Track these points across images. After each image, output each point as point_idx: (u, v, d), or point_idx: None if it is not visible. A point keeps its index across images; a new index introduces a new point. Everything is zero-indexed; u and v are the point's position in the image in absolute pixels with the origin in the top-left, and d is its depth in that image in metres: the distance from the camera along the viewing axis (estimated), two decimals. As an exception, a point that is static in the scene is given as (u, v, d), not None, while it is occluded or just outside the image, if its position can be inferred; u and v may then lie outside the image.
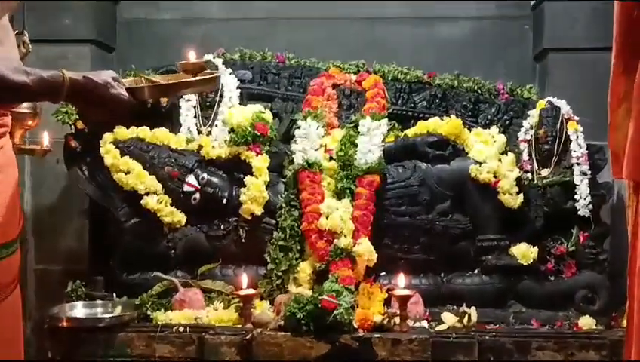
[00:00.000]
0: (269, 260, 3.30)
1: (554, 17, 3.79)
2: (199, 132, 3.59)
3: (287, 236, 3.29)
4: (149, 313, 3.15)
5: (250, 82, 3.76)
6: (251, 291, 3.10)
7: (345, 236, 3.16)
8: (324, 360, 2.84)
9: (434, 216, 3.34)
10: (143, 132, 3.50)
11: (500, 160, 3.35)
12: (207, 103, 3.60)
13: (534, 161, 3.41)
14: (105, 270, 3.48)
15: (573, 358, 2.92)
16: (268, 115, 3.56)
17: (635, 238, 2.03)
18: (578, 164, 3.32)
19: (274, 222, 3.37)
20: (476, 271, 3.33)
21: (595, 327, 3.11)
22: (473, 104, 3.70)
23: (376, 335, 2.89)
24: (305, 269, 3.22)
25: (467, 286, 3.28)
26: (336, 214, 3.19)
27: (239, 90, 3.67)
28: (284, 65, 3.81)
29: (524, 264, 3.24)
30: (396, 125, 3.62)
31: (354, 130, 3.47)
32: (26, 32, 3.18)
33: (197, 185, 3.39)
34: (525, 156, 3.43)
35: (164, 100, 3.60)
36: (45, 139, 3.43)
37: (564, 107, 3.42)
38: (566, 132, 3.38)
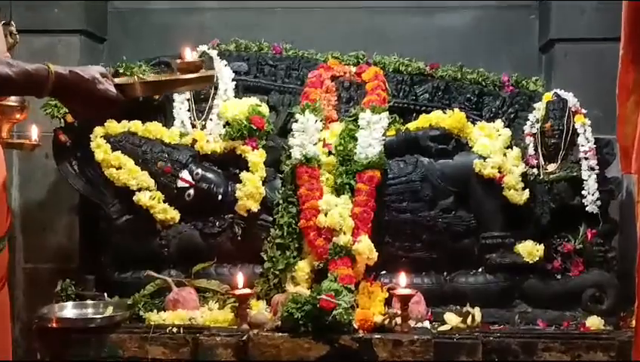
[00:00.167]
0: (265, 258, 3.30)
1: (561, 6, 3.79)
2: (193, 126, 3.59)
3: (285, 233, 3.29)
4: (141, 313, 3.16)
5: (245, 74, 3.75)
6: (247, 290, 3.10)
7: (344, 233, 3.16)
8: (322, 362, 2.85)
9: (436, 212, 3.34)
10: (135, 126, 3.50)
11: (504, 154, 3.35)
12: (202, 96, 3.59)
13: (540, 155, 3.41)
14: (96, 269, 3.48)
15: (581, 359, 2.92)
16: (264, 108, 3.55)
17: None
18: (586, 158, 3.32)
19: (271, 218, 3.37)
20: (480, 270, 3.33)
21: (603, 328, 3.11)
22: (477, 96, 3.69)
23: (377, 336, 2.90)
24: (303, 268, 3.22)
25: (471, 285, 3.29)
26: (336, 211, 3.19)
27: (234, 83, 3.66)
28: (281, 56, 3.80)
29: (530, 262, 3.25)
30: (397, 118, 3.61)
31: (353, 123, 3.46)
32: (12, 23, 3.17)
33: (191, 180, 3.39)
34: (531, 150, 3.43)
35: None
36: (34, 133, 3.42)
37: (572, 100, 3.42)
38: (573, 125, 3.37)
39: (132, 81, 1.92)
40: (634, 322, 2.33)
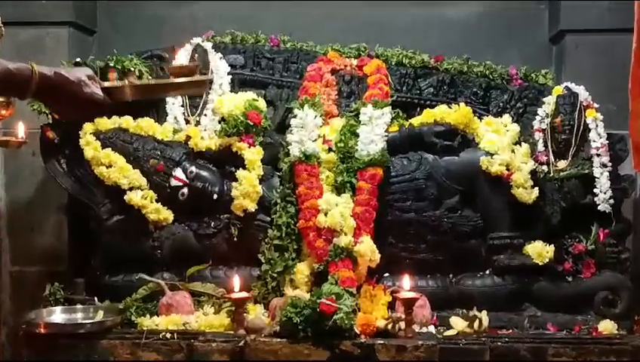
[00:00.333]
0: (263, 260, 3.30)
1: (572, -4, 3.80)
2: (187, 122, 3.58)
3: (283, 234, 3.29)
4: (133, 318, 3.16)
5: (242, 67, 3.75)
6: (244, 294, 3.10)
7: (345, 234, 3.16)
8: (323, 369, 2.85)
9: (442, 212, 3.34)
10: (126, 122, 3.49)
11: (513, 151, 3.35)
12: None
13: (550, 152, 3.40)
14: (85, 271, 3.48)
15: (593, 365, 2.93)
16: (261, 103, 3.55)
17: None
18: (598, 155, 3.32)
19: (268, 219, 3.37)
20: (487, 272, 3.33)
21: (616, 332, 3.11)
22: (484, 90, 3.69)
23: (380, 342, 2.89)
24: (302, 270, 3.22)
25: (478, 287, 3.28)
26: (336, 210, 3.19)
27: (230, 77, 3.66)
28: (278, 48, 3.80)
29: (540, 264, 3.24)
30: (400, 114, 3.61)
31: (355, 119, 3.46)
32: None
33: (185, 179, 3.38)
34: (540, 147, 3.43)
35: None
36: (20, 130, 3.41)
37: (583, 93, 3.42)
38: (584, 120, 3.37)
39: (121, 84, 1.91)
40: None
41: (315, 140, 3.41)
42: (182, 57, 2.03)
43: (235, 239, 3.37)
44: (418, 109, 3.67)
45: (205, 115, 3.56)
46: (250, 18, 3.96)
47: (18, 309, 3.67)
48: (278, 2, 4.05)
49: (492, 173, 3.29)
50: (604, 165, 3.31)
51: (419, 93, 3.71)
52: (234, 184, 3.36)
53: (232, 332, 3.04)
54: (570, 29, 3.81)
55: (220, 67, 3.64)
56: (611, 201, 3.29)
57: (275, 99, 3.72)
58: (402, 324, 2.95)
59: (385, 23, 4.00)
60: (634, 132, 2.19)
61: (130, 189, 3.36)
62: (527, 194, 3.29)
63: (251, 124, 3.44)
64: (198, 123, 3.56)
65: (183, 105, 3.59)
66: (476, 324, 3.07)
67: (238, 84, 3.71)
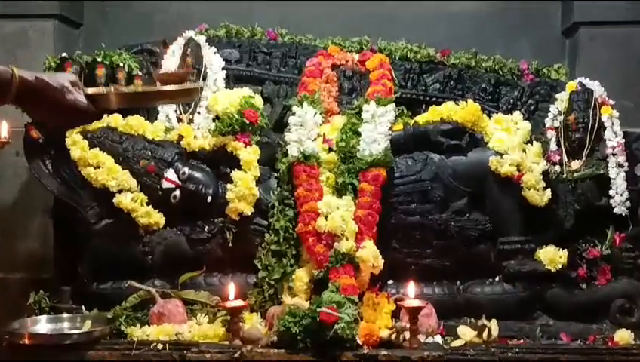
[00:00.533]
0: (260, 267, 3.30)
1: (586, -14, 3.80)
2: (179, 120, 3.59)
3: (281, 239, 3.29)
4: (122, 328, 3.15)
5: (237, 62, 3.76)
6: (240, 302, 3.10)
7: (346, 239, 3.16)
8: (323, 381, 2.85)
9: (448, 215, 3.34)
10: (115, 120, 3.49)
11: (524, 150, 3.35)
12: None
13: (563, 151, 3.40)
14: (72, 279, 3.48)
15: (608, 377, 2.93)
16: (258, 100, 3.55)
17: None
18: (614, 154, 3.32)
19: (265, 223, 3.37)
20: (497, 279, 3.33)
21: (633, 342, 3.10)
22: (493, 86, 3.70)
23: (383, 353, 2.89)
24: (301, 277, 3.21)
25: (487, 295, 3.29)
26: (337, 214, 3.19)
27: (225, 72, 3.67)
28: (276, 42, 3.81)
29: (552, 270, 3.25)
30: (405, 111, 3.62)
31: (356, 117, 3.46)
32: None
33: (177, 181, 3.38)
34: (553, 146, 3.43)
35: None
36: (3, 129, 3.41)
37: (598, 89, 3.42)
38: (599, 118, 3.37)
39: (106, 91, 1.91)
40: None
41: (315, 139, 3.41)
42: (171, 65, 2.04)
43: (230, 244, 3.37)
44: (423, 106, 3.68)
45: (199, 112, 3.56)
46: (246, 10, 3.96)
47: (0, 319, 3.66)
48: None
49: (502, 174, 3.29)
50: (620, 165, 3.31)
51: (424, 89, 3.72)
52: (229, 186, 3.36)
53: (227, 342, 3.04)
54: (585, 21, 3.81)
55: (214, 62, 3.65)
56: (628, 204, 3.29)
57: (273, 96, 3.72)
58: (407, 334, 2.95)
59: (388, 16, 4.00)
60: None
61: (120, 191, 3.36)
62: (539, 196, 3.30)
63: (247, 122, 3.43)
64: (191, 121, 3.56)
65: (175, 103, 3.60)
66: (485, 334, 3.07)
67: (234, 80, 3.72)
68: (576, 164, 3.38)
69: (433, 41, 3.78)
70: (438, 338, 3.10)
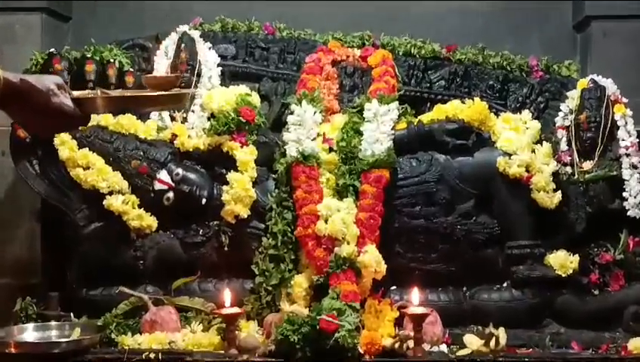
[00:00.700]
0: (257, 272, 3.31)
1: (598, -22, 3.81)
2: (172, 118, 3.59)
3: (279, 243, 3.30)
4: (113, 336, 3.16)
5: (233, 58, 3.76)
6: (236, 309, 3.10)
7: (347, 243, 3.16)
8: (323, 392, 2.86)
9: (454, 218, 3.35)
10: (106, 119, 3.49)
11: (533, 151, 3.36)
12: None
13: (575, 151, 3.41)
14: (60, 284, 3.48)
15: (622, 387, 2.94)
16: (255, 98, 3.56)
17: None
18: (627, 155, 3.33)
19: (263, 226, 3.38)
20: (505, 285, 3.34)
21: (647, 351, 3.11)
22: (501, 83, 3.70)
23: (386, 362, 2.91)
24: (300, 283, 3.22)
25: (494, 302, 3.30)
26: (337, 217, 3.19)
27: (220, 68, 3.67)
28: (274, 37, 3.81)
29: (563, 275, 3.25)
30: (409, 109, 3.62)
31: (358, 115, 3.46)
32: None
33: (170, 182, 3.39)
34: (564, 146, 3.43)
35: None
36: (-12, 129, 3.43)
37: (611, 87, 3.42)
38: (612, 116, 3.38)
39: (92, 95, 1.91)
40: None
41: (314, 139, 3.41)
42: (161, 69, 2.04)
43: (226, 248, 3.38)
44: (428, 105, 3.68)
45: (193, 111, 3.56)
46: (243, 5, 3.95)
47: (-14, 326, 3.67)
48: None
49: (510, 176, 3.30)
50: (634, 166, 3.32)
51: (429, 86, 3.72)
52: (224, 187, 3.36)
53: (222, 351, 3.04)
54: (597, 14, 3.82)
55: (208, 58, 3.65)
56: (642, 206, 3.30)
57: (270, 94, 3.72)
58: (411, 343, 2.96)
59: (391, 10, 4.00)
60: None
61: (110, 193, 3.37)
62: (549, 198, 3.30)
63: (244, 121, 3.44)
64: (184, 120, 3.57)
65: (168, 101, 3.59)
66: (492, 343, 3.07)
67: (229, 76, 3.72)
68: (587, 165, 3.38)
69: (438, 37, 3.78)
70: (443, 348, 3.11)
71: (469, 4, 4.03)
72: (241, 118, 3.44)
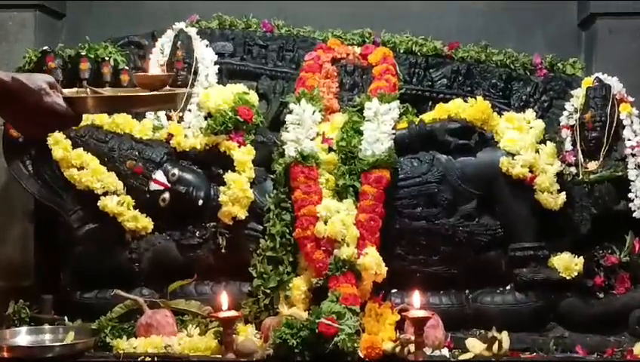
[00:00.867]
0: (254, 275, 3.31)
1: (604, -26, 3.80)
2: (168, 118, 3.59)
3: (277, 245, 3.30)
4: (108, 340, 3.16)
5: (230, 56, 3.76)
6: (233, 313, 3.10)
7: (347, 245, 3.16)
8: (322, 397, 2.86)
9: (456, 219, 3.35)
10: (100, 118, 3.49)
11: (537, 151, 3.36)
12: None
13: (579, 151, 3.40)
14: (54, 287, 3.48)
15: (627, 393, 2.94)
16: (253, 97, 3.56)
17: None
18: (633, 155, 3.32)
19: (261, 227, 3.38)
20: (508, 288, 3.34)
21: (653, 355, 3.11)
22: (504, 82, 3.70)
23: (387, 367, 2.91)
24: (299, 286, 3.22)
25: (497, 305, 3.30)
26: (337, 218, 3.19)
27: (217, 67, 3.67)
28: (272, 35, 3.80)
29: (567, 278, 3.25)
30: (410, 108, 3.62)
31: (358, 114, 3.46)
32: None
33: (166, 182, 3.39)
34: (568, 146, 3.43)
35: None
36: (-21, 128, 3.43)
37: (616, 85, 3.42)
38: (618, 116, 3.37)
39: (83, 94, 1.91)
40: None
41: (314, 139, 3.41)
42: (153, 67, 2.04)
43: (223, 250, 3.38)
44: (430, 103, 3.68)
45: (189, 110, 3.56)
46: (241, 2, 3.95)
47: (-23, 330, 3.67)
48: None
49: (513, 176, 3.30)
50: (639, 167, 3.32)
51: (430, 85, 3.72)
52: (222, 188, 3.36)
53: (219, 356, 3.04)
54: (602, 11, 3.81)
55: (205, 56, 3.65)
56: (648, 207, 3.30)
57: (269, 92, 3.72)
58: (412, 347, 2.95)
59: (392, 7, 4.00)
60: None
61: (105, 194, 3.36)
62: (553, 199, 3.30)
63: (241, 120, 3.44)
64: (181, 119, 3.56)
65: (164, 100, 3.59)
66: (495, 347, 3.06)
67: (227, 74, 3.72)
68: (592, 165, 3.38)
69: (441, 34, 3.78)
70: (445, 352, 3.11)
71: (473, 2, 4.02)
72: (238, 117, 3.44)
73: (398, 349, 2.96)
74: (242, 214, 3.35)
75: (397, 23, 3.84)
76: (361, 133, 3.39)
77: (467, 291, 3.35)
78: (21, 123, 1.87)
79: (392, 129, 3.39)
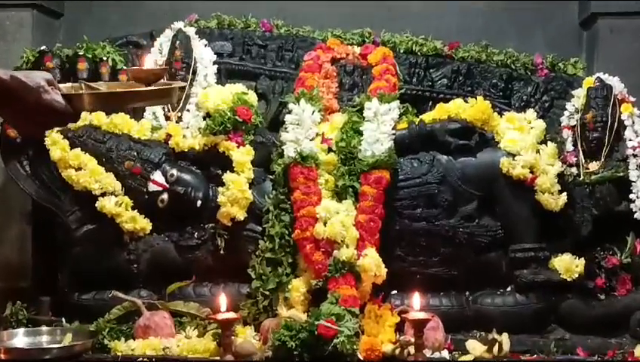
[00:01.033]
0: (253, 276, 3.31)
1: (605, -26, 3.81)
2: (167, 118, 3.60)
3: (276, 246, 3.30)
4: (106, 342, 3.16)
5: (229, 56, 3.77)
6: (232, 315, 3.10)
7: (347, 246, 3.16)
8: (321, 399, 2.86)
9: (457, 220, 3.35)
10: (98, 118, 3.50)
11: (537, 151, 3.36)
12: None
13: (580, 152, 3.41)
14: (52, 289, 3.49)
15: (628, 395, 2.94)
16: (252, 97, 3.56)
17: None
18: (634, 155, 3.33)
19: (260, 228, 3.38)
20: (509, 289, 3.34)
21: (655, 358, 3.12)
22: (505, 82, 3.71)
23: (386, 369, 2.91)
24: (298, 287, 3.22)
25: (498, 307, 3.30)
26: (336, 219, 3.19)
27: (216, 66, 3.67)
28: (271, 34, 3.81)
29: (568, 279, 3.26)
30: (410, 109, 3.62)
31: (358, 115, 3.47)
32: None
33: (164, 183, 3.39)
34: (569, 146, 3.43)
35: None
36: (-23, 128, 3.43)
37: (617, 85, 3.43)
38: (619, 116, 3.38)
39: (80, 91, 1.91)
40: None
41: (313, 139, 3.42)
42: (148, 62, 2.04)
43: (222, 251, 3.38)
44: (430, 103, 3.69)
45: (188, 110, 3.56)
46: (240, 1, 3.95)
47: (-25, 331, 3.67)
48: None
49: (514, 177, 3.30)
50: (641, 167, 3.32)
51: (431, 85, 3.73)
52: (220, 189, 3.36)
53: (218, 357, 3.04)
54: (604, 11, 3.82)
55: (204, 55, 3.65)
56: (650, 208, 3.30)
57: (268, 92, 3.73)
58: (412, 349, 2.95)
59: (392, 7, 4.00)
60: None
61: (103, 195, 3.37)
62: (554, 200, 3.30)
63: (240, 120, 3.44)
64: (179, 119, 3.57)
65: (162, 100, 3.60)
66: (496, 349, 3.07)
67: (226, 74, 3.72)
68: (593, 166, 3.38)
69: (441, 34, 3.78)
70: (445, 354, 3.10)
71: (471, 2, 4.02)
72: (237, 117, 3.44)
73: (397, 351, 2.97)
74: (241, 215, 3.35)
75: (397, 23, 3.85)
76: (360, 134, 3.39)
77: (467, 293, 3.35)
78: (20, 122, 1.88)
79: (392, 129, 3.39)
